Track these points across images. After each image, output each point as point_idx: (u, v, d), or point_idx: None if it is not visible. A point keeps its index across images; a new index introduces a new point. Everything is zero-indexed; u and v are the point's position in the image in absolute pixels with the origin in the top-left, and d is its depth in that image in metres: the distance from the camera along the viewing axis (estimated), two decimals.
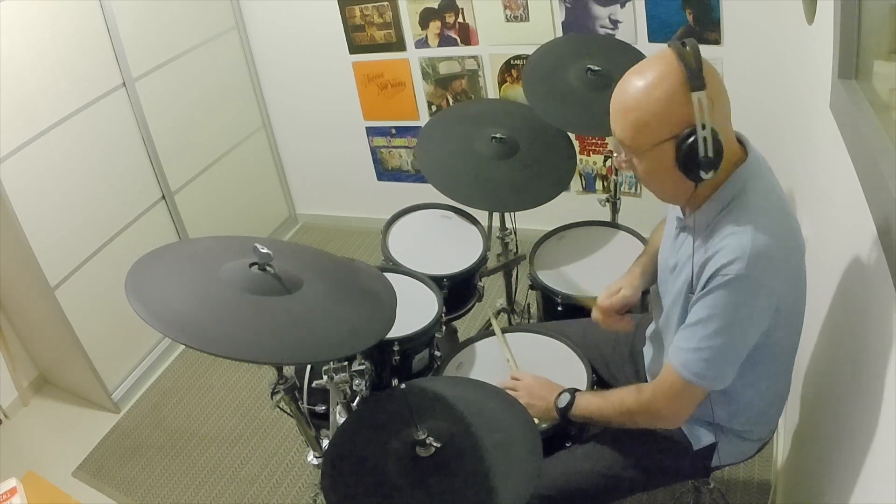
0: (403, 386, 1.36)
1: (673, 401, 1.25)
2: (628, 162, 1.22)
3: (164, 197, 2.91)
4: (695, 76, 1.09)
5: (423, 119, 3.19)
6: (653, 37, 2.55)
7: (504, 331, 1.74)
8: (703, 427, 1.38)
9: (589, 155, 2.96)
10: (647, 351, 1.54)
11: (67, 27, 2.40)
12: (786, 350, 1.30)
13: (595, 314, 1.53)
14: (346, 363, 1.43)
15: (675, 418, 1.31)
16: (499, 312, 2.31)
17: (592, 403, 1.39)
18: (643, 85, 1.13)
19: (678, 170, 1.15)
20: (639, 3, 2.52)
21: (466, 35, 2.89)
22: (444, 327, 1.80)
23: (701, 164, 1.11)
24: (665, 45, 1.15)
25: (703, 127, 1.09)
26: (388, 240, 2.06)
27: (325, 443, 1.47)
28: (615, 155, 1.25)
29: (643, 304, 1.84)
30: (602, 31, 2.63)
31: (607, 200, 2.21)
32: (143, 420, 2.66)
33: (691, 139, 1.11)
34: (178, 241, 2.93)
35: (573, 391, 1.43)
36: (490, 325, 1.76)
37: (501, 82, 2.95)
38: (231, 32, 3.20)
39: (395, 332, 1.40)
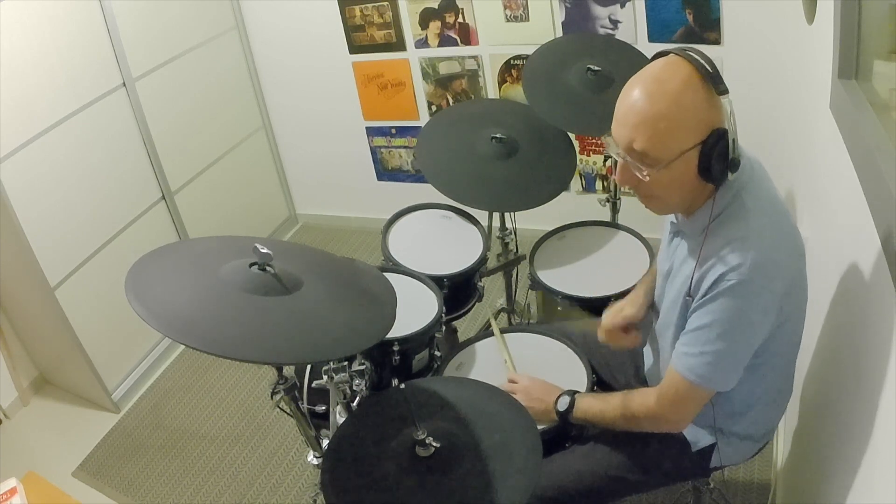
0: (403, 386, 1.36)
1: (678, 405, 1.26)
2: (643, 175, 1.14)
3: (164, 197, 2.91)
4: (718, 80, 1.09)
5: (423, 119, 3.18)
6: (653, 37, 2.55)
7: (504, 331, 1.74)
8: (703, 428, 1.37)
9: (589, 155, 2.96)
10: (647, 352, 1.54)
11: (67, 27, 2.40)
12: (787, 352, 1.30)
13: (600, 334, 1.52)
14: (346, 363, 1.42)
15: (680, 422, 1.32)
16: (499, 312, 2.31)
17: (594, 407, 1.39)
18: (668, 92, 1.09)
19: (698, 176, 1.14)
20: (639, 3, 2.52)
21: (466, 35, 2.89)
22: (444, 327, 1.80)
23: (730, 165, 1.12)
24: (670, 54, 1.13)
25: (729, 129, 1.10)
26: (388, 240, 2.05)
27: (325, 443, 1.47)
28: (619, 172, 1.19)
29: None
30: (602, 31, 2.63)
31: (607, 200, 2.21)
32: (143, 420, 2.66)
33: (719, 143, 1.10)
34: (178, 241, 2.93)
35: (572, 393, 1.43)
36: (490, 325, 1.76)
37: (501, 82, 2.95)
38: (231, 32, 3.20)
39: (395, 332, 1.39)
